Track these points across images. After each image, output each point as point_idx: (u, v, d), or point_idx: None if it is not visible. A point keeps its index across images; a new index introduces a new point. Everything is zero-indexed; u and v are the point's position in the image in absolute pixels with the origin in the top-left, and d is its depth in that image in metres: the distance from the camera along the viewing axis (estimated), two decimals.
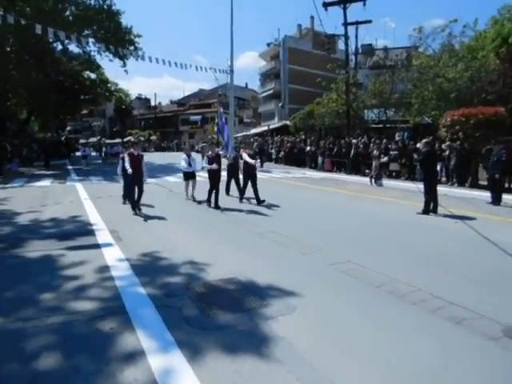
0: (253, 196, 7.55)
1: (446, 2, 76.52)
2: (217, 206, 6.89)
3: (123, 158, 6.69)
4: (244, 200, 7.76)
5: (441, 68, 14.48)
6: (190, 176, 7.90)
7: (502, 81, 12.86)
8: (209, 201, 7.10)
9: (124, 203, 7.31)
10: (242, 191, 7.79)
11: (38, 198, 8.28)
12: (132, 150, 6.53)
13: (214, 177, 7.04)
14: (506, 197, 7.91)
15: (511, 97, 12.48)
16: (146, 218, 6.12)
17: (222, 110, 9.68)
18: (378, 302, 2.93)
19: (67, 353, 2.15)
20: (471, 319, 2.61)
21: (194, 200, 7.72)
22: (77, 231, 5.14)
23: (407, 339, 2.37)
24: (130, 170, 6.15)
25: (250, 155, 7.69)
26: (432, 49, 16.39)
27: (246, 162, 7.54)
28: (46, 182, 11.43)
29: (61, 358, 2.11)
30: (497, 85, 12.89)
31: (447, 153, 11.01)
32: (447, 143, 10.86)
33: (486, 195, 7.81)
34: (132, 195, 6.48)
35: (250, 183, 7.62)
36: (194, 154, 8.44)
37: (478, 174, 10.30)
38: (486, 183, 8.38)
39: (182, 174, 8.27)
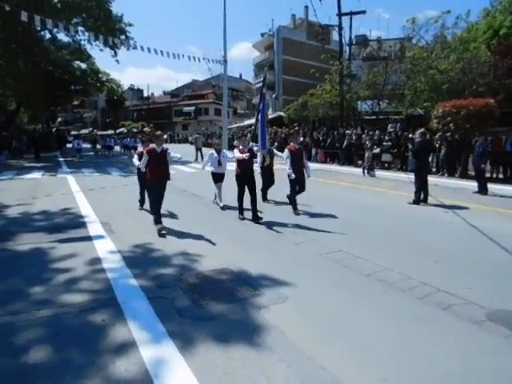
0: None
1: None
2: (256, 218, 5.20)
3: (140, 155, 5.35)
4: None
5: (433, 59, 14.49)
6: (221, 178, 6.25)
7: (493, 73, 12.94)
8: (241, 210, 5.41)
9: (141, 209, 6.08)
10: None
11: (28, 190, 8.14)
12: (153, 144, 4.83)
13: (245, 177, 5.26)
14: (493, 186, 8.10)
15: (501, 89, 12.59)
16: (165, 232, 4.57)
17: (264, 89, 6.17)
18: (369, 290, 2.98)
19: (58, 346, 2.14)
20: (458, 305, 2.69)
21: (222, 207, 6.13)
22: (68, 224, 5.08)
23: (396, 325, 2.43)
24: (140, 166, 4.97)
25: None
26: (425, 40, 16.36)
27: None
28: (36, 175, 11.22)
29: (51, 351, 2.10)
30: (487, 77, 12.97)
31: (438, 144, 11.13)
32: (439, 134, 10.95)
33: (475, 185, 7.98)
34: (155, 204, 4.84)
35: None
36: (225, 150, 6.77)
37: (467, 165, 10.46)
38: (474, 173, 8.56)
39: (209, 175, 6.41)
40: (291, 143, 5.89)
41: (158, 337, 2.22)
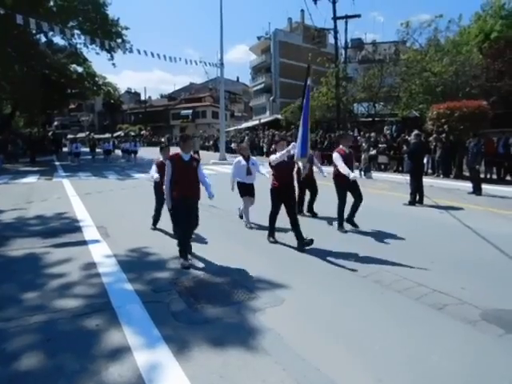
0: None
1: None
2: (304, 244, 4.00)
3: (160, 165, 4.37)
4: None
5: (427, 62, 14.70)
6: (249, 190, 5.14)
7: (485, 75, 13.15)
8: (272, 232, 4.38)
9: (153, 229, 4.96)
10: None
11: (24, 194, 8.08)
12: (179, 152, 3.63)
13: (285, 191, 4.15)
14: (487, 187, 8.18)
15: (493, 91, 12.79)
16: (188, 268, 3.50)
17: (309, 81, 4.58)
18: (365, 291, 2.98)
19: (50, 352, 2.12)
20: (452, 305, 2.70)
21: (248, 225, 5.09)
22: (63, 228, 5.04)
23: (392, 326, 2.43)
24: (156, 178, 4.22)
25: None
26: (419, 43, 16.60)
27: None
28: (31, 179, 11.15)
29: (44, 357, 2.07)
30: (480, 79, 13.18)
31: (433, 145, 11.24)
32: (434, 136, 11.06)
33: (470, 186, 8.06)
34: (184, 234, 3.64)
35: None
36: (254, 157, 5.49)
37: (462, 166, 10.58)
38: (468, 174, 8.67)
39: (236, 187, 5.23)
40: (341, 145, 5.03)
41: (153, 341, 2.21)
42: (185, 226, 3.62)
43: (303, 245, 3.99)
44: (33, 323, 2.44)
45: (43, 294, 2.90)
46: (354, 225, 4.92)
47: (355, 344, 2.21)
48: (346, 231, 4.77)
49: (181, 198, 3.46)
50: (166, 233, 4.77)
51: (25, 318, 2.51)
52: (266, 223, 4.50)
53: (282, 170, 4.13)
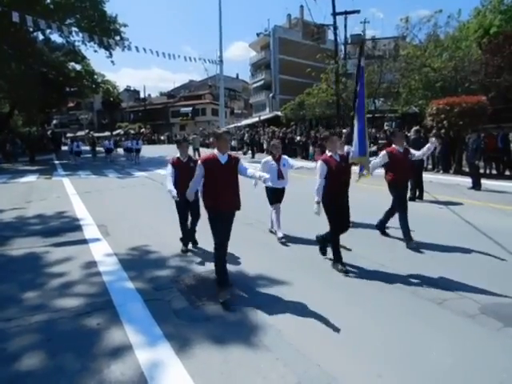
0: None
1: None
2: (338, 264, 3.37)
3: (177, 165, 3.91)
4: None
5: (427, 58, 14.64)
6: (280, 196, 4.42)
7: (484, 70, 13.11)
8: (339, 256, 3.42)
9: (185, 250, 4.02)
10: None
11: (23, 194, 8.05)
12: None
13: (340, 199, 3.39)
14: (487, 182, 8.20)
15: (493, 86, 12.75)
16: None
17: (362, 61, 3.66)
18: (364, 287, 2.99)
19: (51, 351, 2.12)
20: (452, 299, 2.73)
21: (281, 238, 4.25)
22: (63, 227, 5.03)
23: (391, 321, 2.44)
24: (173, 192, 3.66)
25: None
26: (418, 39, 16.50)
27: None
28: (31, 178, 11.11)
29: (45, 357, 2.07)
30: (479, 74, 13.14)
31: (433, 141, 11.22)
32: (433, 131, 11.04)
33: (469, 181, 8.07)
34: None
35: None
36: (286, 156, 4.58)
37: (461, 161, 10.58)
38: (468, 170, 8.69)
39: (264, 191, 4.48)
40: (393, 144, 4.23)
41: (154, 339, 2.21)
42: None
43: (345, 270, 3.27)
44: (33, 323, 2.44)
45: (43, 294, 2.89)
46: (384, 232, 4.36)
47: (355, 340, 2.21)
48: (416, 245, 3.94)
49: (217, 208, 2.81)
50: (169, 231, 4.75)
51: (25, 317, 2.51)
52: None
53: (336, 174, 3.28)
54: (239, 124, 32.00)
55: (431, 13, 15.66)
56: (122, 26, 20.12)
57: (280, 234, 4.29)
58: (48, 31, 18.51)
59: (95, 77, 25.90)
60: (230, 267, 3.34)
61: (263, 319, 2.45)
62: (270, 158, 4.44)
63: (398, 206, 4.17)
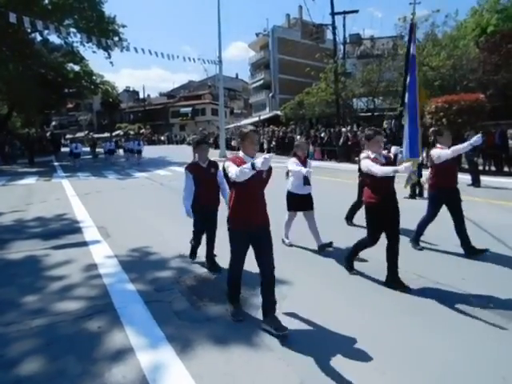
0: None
1: None
2: (403, 287, 2.88)
3: (196, 171, 3.25)
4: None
5: (425, 57, 14.69)
6: (304, 203, 3.80)
7: (482, 69, 13.16)
8: (351, 265, 3.24)
9: (193, 262, 3.60)
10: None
11: (22, 196, 8.03)
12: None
13: (388, 209, 2.93)
14: (486, 178, 8.22)
15: (490, 84, 12.80)
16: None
17: (412, 47, 3.46)
18: (366, 285, 2.98)
19: (52, 356, 2.10)
20: (453, 295, 2.74)
21: (327, 245, 3.82)
22: (63, 229, 5.01)
23: (394, 318, 2.44)
24: (187, 212, 3.22)
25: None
26: (416, 38, 16.52)
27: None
28: (30, 180, 11.08)
29: (45, 361, 2.05)
30: (477, 72, 13.20)
31: (432, 139, 11.25)
32: (432, 129, 11.08)
33: (469, 178, 8.11)
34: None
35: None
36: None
37: (461, 158, 10.60)
38: (467, 167, 8.69)
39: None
40: (438, 144, 3.76)
41: (156, 341, 2.20)
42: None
43: (403, 287, 2.85)
44: (34, 327, 2.41)
45: (44, 297, 2.87)
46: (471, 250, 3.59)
47: (358, 338, 2.20)
48: (421, 248, 3.84)
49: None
50: (170, 232, 4.74)
51: (25, 322, 2.48)
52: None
53: (380, 180, 2.82)
54: (239, 124, 31.98)
55: (429, 12, 15.77)
56: (120, 27, 20.13)
57: (286, 234, 4.02)
58: (46, 32, 18.43)
59: (94, 77, 25.86)
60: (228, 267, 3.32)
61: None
62: (294, 159, 3.77)
63: (433, 212, 3.75)
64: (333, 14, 17.80)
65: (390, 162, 2.94)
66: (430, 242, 4.09)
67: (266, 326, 2.25)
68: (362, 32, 30.70)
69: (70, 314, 2.59)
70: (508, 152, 10.28)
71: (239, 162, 2.26)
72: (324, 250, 3.78)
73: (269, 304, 2.32)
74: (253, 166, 2.04)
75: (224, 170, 2.33)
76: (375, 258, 3.62)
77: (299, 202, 3.80)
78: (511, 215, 5.32)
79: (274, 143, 19.92)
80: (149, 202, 7.17)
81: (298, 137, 17.98)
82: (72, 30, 17.22)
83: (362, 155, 2.98)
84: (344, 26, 19.52)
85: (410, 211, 5.70)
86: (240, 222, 2.32)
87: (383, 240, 2.77)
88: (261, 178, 2.27)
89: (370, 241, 3.01)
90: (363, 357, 2.03)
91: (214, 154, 19.71)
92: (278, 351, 2.07)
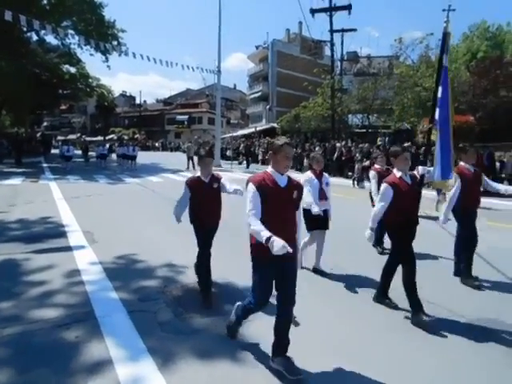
0: None
1: (424, 16, 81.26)
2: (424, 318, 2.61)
3: (194, 187, 2.95)
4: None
5: (419, 77, 15.26)
6: (321, 220, 3.49)
7: (472, 92, 13.74)
8: (385, 292, 2.93)
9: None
10: None
11: (6, 197, 7.75)
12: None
13: (411, 228, 2.73)
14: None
15: (480, 107, 13.35)
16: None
17: (444, 58, 3.03)
18: (357, 301, 2.95)
19: (24, 367, 1.98)
20: (441, 314, 2.73)
21: (322, 272, 3.57)
22: (47, 233, 4.84)
23: (384, 335, 2.41)
24: (177, 216, 3.07)
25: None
26: (411, 59, 17.22)
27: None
28: (15, 181, 10.75)
29: (15, 372, 1.93)
30: (467, 95, 13.78)
31: (423, 157, 11.54)
32: (424, 148, 11.36)
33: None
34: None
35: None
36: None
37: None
38: None
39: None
40: (461, 162, 3.46)
41: (137, 353, 2.10)
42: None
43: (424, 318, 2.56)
44: (5, 335, 2.28)
45: (20, 304, 2.73)
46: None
47: (347, 355, 2.16)
48: (478, 285, 3.39)
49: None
50: (158, 240, 4.63)
51: None
52: None
53: (403, 196, 2.62)
54: (235, 134, 32.20)
55: (423, 35, 16.46)
56: (120, 32, 20.27)
57: (324, 269, 3.53)
58: (43, 32, 18.38)
59: (90, 80, 25.80)
60: (217, 278, 3.24)
61: (251, 333, 2.37)
62: (309, 173, 3.49)
63: (465, 239, 3.43)
64: (331, 31, 18.39)
65: (416, 182, 2.78)
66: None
67: (278, 367, 1.98)
68: (359, 50, 31.86)
69: (47, 322, 2.46)
70: (495, 173, 10.59)
71: (267, 179, 1.96)
72: (317, 273, 3.58)
73: (283, 343, 2.04)
74: (266, 242, 1.77)
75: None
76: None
77: (317, 220, 3.37)
78: (496, 235, 5.39)
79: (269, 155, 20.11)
80: (139, 208, 7.04)
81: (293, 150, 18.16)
82: (70, 31, 17.26)
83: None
84: (342, 43, 20.21)
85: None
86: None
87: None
88: (290, 199, 1.98)
89: (395, 260, 2.77)
90: (351, 375, 1.98)
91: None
92: (263, 368, 2.01)
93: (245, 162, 19.46)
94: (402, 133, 16.46)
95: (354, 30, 19.37)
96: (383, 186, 2.74)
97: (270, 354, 2.05)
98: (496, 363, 2.17)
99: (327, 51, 21.45)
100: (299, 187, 2.05)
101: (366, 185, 11.31)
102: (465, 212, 3.41)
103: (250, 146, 21.26)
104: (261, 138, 24.06)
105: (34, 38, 21.04)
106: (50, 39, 22.86)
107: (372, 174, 4.39)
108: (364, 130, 19.52)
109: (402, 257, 2.72)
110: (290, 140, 2.12)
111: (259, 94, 37.04)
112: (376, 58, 22.19)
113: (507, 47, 16.50)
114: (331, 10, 18.23)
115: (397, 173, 2.74)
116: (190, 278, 3.30)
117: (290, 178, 2.03)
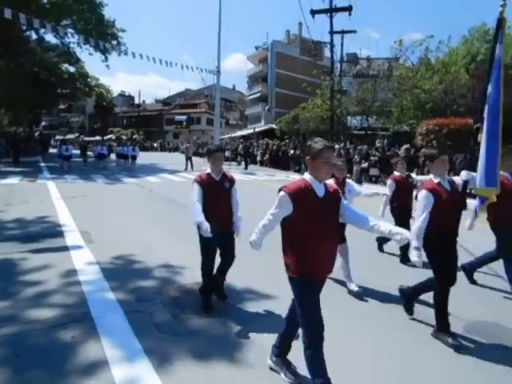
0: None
1: (424, 18, 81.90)
2: (446, 335, 2.40)
3: (205, 185, 2.68)
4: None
5: (418, 79, 15.33)
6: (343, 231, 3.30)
7: (471, 95, 13.80)
8: (445, 329, 2.43)
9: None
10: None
11: (3, 196, 7.71)
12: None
13: (450, 240, 2.48)
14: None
15: (479, 110, 13.41)
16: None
17: (498, 48, 2.37)
18: (354, 304, 2.94)
19: (19, 368, 1.95)
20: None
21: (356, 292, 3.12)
22: (44, 233, 4.81)
23: (382, 338, 2.40)
24: (204, 225, 2.46)
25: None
26: (411, 61, 17.29)
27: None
28: (13, 180, 10.69)
29: (10, 374, 1.91)
30: (467, 98, 13.82)
31: (422, 160, 11.57)
32: (422, 150, 11.40)
33: None
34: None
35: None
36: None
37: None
38: None
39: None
40: (502, 172, 2.91)
41: (133, 354, 2.09)
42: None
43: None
44: (1, 336, 2.26)
45: (15, 304, 2.70)
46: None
47: (343, 358, 2.14)
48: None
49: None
50: (156, 241, 4.60)
51: None
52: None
53: (445, 210, 2.38)
54: (234, 135, 32.22)
55: (423, 37, 16.53)
56: (119, 31, 20.24)
57: (354, 287, 3.12)
58: (42, 31, 18.32)
59: (89, 80, 25.70)
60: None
61: (248, 334, 2.36)
62: (332, 182, 3.28)
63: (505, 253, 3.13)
64: (331, 32, 18.41)
65: (455, 188, 2.50)
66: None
67: (276, 367, 1.96)
68: (358, 52, 31.93)
69: (43, 322, 2.44)
70: None
71: (304, 188, 1.69)
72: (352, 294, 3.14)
73: (288, 348, 1.99)
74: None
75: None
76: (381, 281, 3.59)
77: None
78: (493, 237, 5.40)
79: (267, 156, 20.08)
80: (136, 208, 7.02)
81: (292, 151, 18.19)
82: (69, 30, 17.22)
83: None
84: (342, 44, 20.29)
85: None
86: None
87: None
88: (330, 210, 1.74)
89: (441, 280, 2.44)
90: (347, 377, 1.97)
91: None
92: (261, 369, 2.00)
93: (243, 162, 19.46)
94: (401, 135, 16.51)
95: (354, 31, 19.40)
96: (423, 193, 2.41)
97: (270, 353, 2.05)
98: (494, 366, 2.16)
99: (327, 53, 21.58)
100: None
101: (363, 186, 11.35)
102: (504, 224, 3.15)
103: (248, 147, 21.27)
104: (259, 139, 24.08)
105: (34, 36, 21.01)
106: (50, 38, 22.83)
107: (389, 182, 3.99)
108: (363, 132, 19.55)
109: (442, 275, 2.42)
110: (330, 143, 1.88)
111: (258, 94, 37.08)
112: (375, 60, 22.28)
113: (507, 50, 16.54)
114: (332, 11, 18.27)
115: (434, 179, 2.45)
116: (188, 278, 3.29)
117: (326, 186, 1.76)
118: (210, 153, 2.80)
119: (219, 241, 2.64)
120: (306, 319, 1.71)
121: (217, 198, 2.65)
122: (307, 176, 1.76)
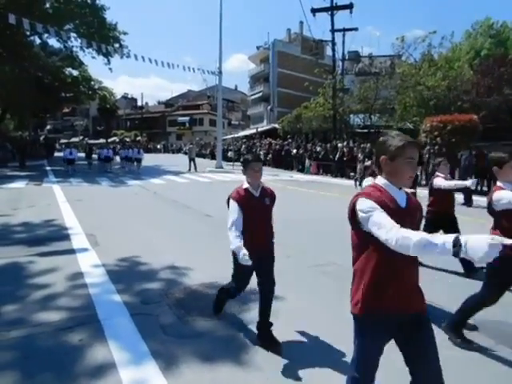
0: None
1: (426, 14, 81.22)
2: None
3: (243, 203, 2.20)
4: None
5: (421, 76, 15.17)
6: None
7: (476, 90, 13.62)
8: (461, 327, 2.39)
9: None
10: None
11: (10, 200, 7.82)
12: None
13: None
14: (478, 198, 8.34)
15: (483, 106, 13.22)
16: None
17: None
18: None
19: (28, 370, 1.98)
20: (446, 318, 2.66)
21: None
22: (50, 236, 4.87)
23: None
24: (241, 253, 1.99)
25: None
26: (413, 58, 17.12)
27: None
28: (19, 184, 10.84)
29: (20, 376, 1.93)
30: (471, 94, 13.65)
31: (426, 157, 11.45)
32: (427, 148, 11.29)
33: (461, 197, 8.23)
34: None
35: None
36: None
37: (454, 178, 10.79)
38: None
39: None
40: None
41: (140, 357, 2.10)
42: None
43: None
44: (10, 339, 2.28)
45: (23, 307, 2.74)
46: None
47: (349, 357, 2.13)
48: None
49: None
50: (161, 243, 4.63)
51: (1, 333, 2.35)
52: None
53: None
54: (236, 135, 32.25)
55: (426, 33, 16.32)
56: (121, 34, 20.38)
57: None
58: (45, 35, 18.54)
59: (92, 83, 25.96)
60: (223, 280, 3.22)
61: (255, 336, 2.35)
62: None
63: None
64: (333, 30, 18.33)
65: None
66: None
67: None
68: (360, 50, 31.69)
69: (51, 325, 2.46)
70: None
71: (383, 198, 1.31)
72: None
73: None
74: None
75: (354, 212, 1.35)
76: None
77: None
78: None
79: (270, 156, 20.07)
80: (141, 210, 7.06)
81: (295, 150, 18.15)
82: (72, 34, 17.39)
83: (497, 192, 2.13)
84: (343, 42, 20.12)
85: None
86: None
87: None
88: (413, 224, 1.30)
89: (489, 298, 2.25)
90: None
91: (210, 165, 19.77)
92: (268, 371, 1.99)
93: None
94: (405, 132, 16.34)
95: (356, 29, 19.30)
96: (498, 194, 2.15)
97: (271, 353, 2.06)
98: (500, 364, 2.14)
99: (328, 51, 21.42)
100: (420, 206, 1.41)
101: None
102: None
103: (251, 147, 21.29)
104: (262, 139, 24.08)
105: (37, 41, 21.24)
106: (53, 42, 23.08)
107: (437, 182, 3.70)
108: (366, 130, 19.43)
109: (494, 296, 2.22)
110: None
111: (260, 94, 37.07)
112: (378, 58, 22.10)
113: (510, 47, 16.35)
114: (332, 9, 18.19)
115: (503, 186, 2.18)
116: (193, 280, 3.30)
117: (408, 195, 1.38)
118: (246, 163, 2.24)
119: (257, 263, 2.15)
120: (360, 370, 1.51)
121: (257, 218, 2.20)
122: (381, 181, 1.36)
